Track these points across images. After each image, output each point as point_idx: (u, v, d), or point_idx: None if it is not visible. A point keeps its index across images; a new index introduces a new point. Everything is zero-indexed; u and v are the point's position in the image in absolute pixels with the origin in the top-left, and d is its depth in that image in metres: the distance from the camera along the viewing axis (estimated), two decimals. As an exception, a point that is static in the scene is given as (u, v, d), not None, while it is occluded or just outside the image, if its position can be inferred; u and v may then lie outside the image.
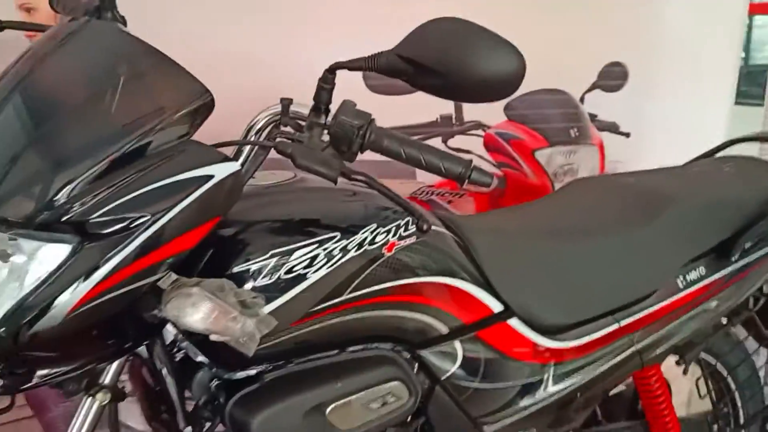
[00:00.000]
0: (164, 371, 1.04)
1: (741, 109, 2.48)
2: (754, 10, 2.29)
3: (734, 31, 2.39)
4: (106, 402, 0.97)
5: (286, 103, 1.01)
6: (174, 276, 0.89)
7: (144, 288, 0.86)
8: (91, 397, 0.97)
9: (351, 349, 1.12)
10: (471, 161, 0.95)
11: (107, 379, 0.98)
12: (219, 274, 0.94)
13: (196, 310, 0.86)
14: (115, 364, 0.98)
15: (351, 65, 0.93)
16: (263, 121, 1.07)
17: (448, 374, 1.20)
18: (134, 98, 0.89)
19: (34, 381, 0.92)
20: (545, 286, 1.30)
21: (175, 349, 1.06)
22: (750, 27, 2.44)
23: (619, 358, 1.36)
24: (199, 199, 0.87)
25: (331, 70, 0.95)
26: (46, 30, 1.17)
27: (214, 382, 1.08)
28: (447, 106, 2.05)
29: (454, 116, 2.04)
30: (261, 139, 1.08)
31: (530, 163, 2.19)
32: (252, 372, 1.06)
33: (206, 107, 0.92)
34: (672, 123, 2.29)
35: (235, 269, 0.98)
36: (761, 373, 1.69)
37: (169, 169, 0.86)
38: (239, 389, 1.05)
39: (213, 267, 0.97)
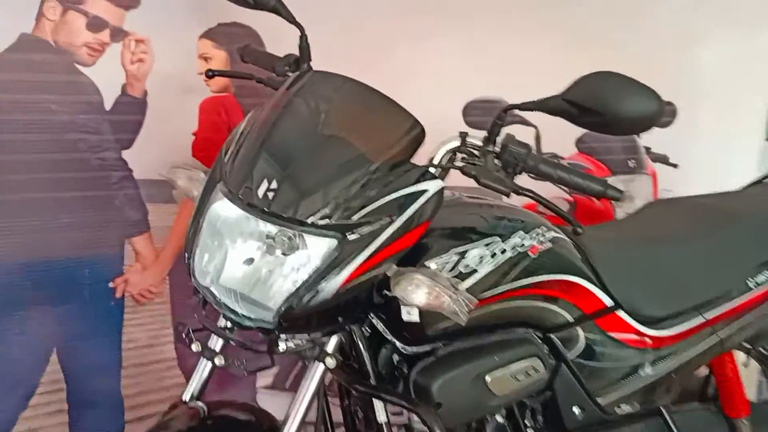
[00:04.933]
0: (362, 347, 1.23)
1: (769, 145, 2.65)
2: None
3: (764, 77, 2.57)
4: (332, 366, 1.15)
5: (463, 135, 1.19)
6: (395, 266, 1.09)
7: (380, 275, 1.07)
8: (320, 362, 1.15)
9: (499, 332, 1.32)
10: (606, 181, 1.19)
11: (329, 348, 1.16)
12: (412, 266, 1.11)
13: (419, 290, 1.04)
14: (334, 338, 1.17)
15: (523, 107, 1.11)
16: (443, 149, 1.20)
17: (571, 354, 1.40)
18: (367, 131, 1.12)
19: (285, 348, 1.14)
20: (645, 284, 1.51)
21: (368, 331, 1.26)
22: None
23: (705, 346, 1.57)
24: (419, 207, 1.09)
25: (505, 110, 1.13)
26: (247, 77, 1.43)
27: (395, 357, 1.27)
28: (529, 141, 2.21)
29: (534, 149, 2.18)
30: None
31: (595, 189, 2.38)
32: (427, 348, 1.25)
33: (419, 136, 1.13)
34: (712, 156, 2.47)
35: (425, 262, 1.16)
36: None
37: (398, 184, 1.08)
38: (417, 362, 1.24)
39: (407, 260, 1.11)
